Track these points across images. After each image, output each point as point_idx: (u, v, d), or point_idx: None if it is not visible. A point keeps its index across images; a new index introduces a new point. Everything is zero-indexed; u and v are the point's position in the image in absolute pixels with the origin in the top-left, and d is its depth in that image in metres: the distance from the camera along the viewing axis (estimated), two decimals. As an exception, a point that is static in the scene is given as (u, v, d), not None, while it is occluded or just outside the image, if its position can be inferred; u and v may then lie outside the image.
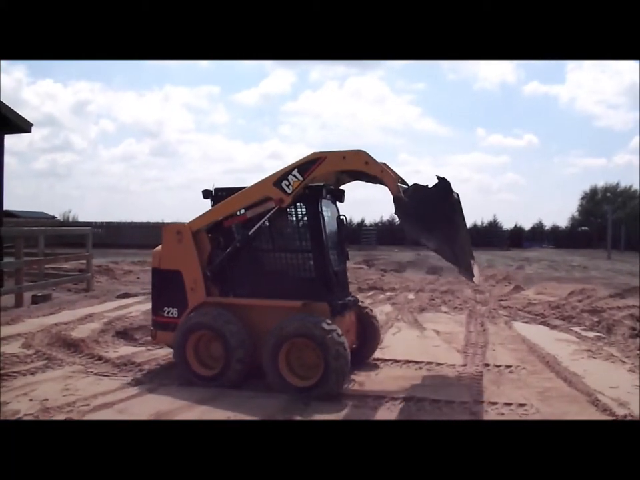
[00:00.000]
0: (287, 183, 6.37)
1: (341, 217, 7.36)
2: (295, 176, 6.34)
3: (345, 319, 6.94)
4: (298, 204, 6.65)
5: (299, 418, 5.51)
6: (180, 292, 6.94)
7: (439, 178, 5.99)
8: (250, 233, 6.67)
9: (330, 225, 7.04)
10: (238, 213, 6.81)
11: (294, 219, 6.78)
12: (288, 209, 6.65)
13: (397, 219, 6.28)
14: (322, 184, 6.64)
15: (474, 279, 6.94)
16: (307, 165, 6.31)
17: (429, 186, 6.05)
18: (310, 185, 6.52)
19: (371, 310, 7.98)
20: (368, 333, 7.63)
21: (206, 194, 7.13)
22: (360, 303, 7.80)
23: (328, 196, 6.99)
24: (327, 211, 7.01)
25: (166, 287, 7.12)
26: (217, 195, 7.08)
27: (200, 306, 6.82)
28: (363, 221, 49.75)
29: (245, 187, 6.77)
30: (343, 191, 7.43)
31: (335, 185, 7.25)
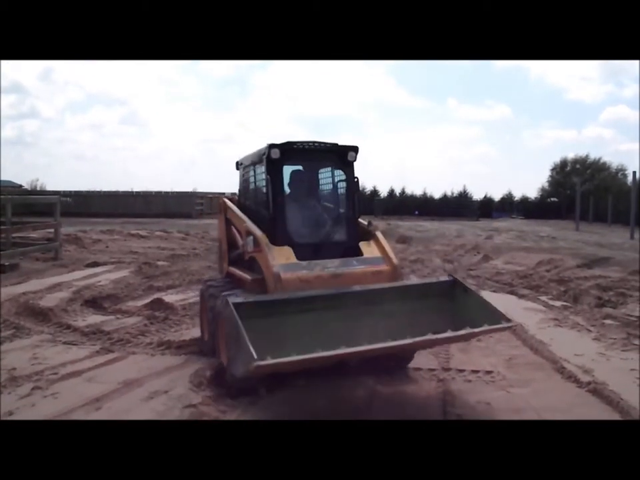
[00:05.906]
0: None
1: (344, 179, 6.26)
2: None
3: None
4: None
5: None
6: (220, 260, 7.41)
7: None
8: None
9: (311, 187, 6.48)
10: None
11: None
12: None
13: None
14: (270, 144, 5.83)
15: None
16: None
17: None
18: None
19: None
20: None
21: (237, 165, 7.28)
22: None
23: (316, 158, 6.26)
24: (322, 174, 6.48)
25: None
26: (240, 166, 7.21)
27: (223, 274, 7.09)
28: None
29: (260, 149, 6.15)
30: (351, 148, 6.17)
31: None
